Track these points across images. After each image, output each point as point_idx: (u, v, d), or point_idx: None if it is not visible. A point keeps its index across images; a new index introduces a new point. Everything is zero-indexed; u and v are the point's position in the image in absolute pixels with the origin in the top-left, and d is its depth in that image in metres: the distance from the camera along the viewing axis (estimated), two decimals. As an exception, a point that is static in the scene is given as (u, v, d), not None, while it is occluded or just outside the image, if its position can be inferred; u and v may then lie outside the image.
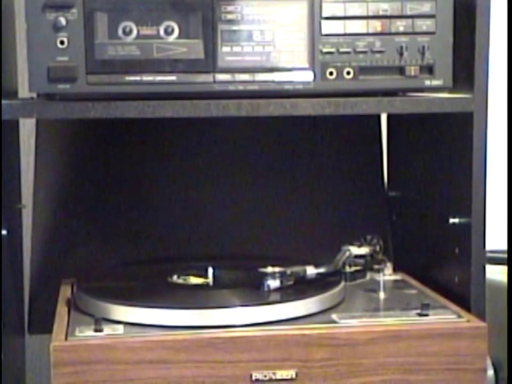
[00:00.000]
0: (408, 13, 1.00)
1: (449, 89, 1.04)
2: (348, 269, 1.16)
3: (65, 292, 1.15)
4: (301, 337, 0.95)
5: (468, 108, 1.02)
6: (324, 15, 0.99)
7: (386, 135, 1.37)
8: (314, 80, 1.00)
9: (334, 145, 1.35)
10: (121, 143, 1.31)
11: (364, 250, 1.16)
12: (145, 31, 0.97)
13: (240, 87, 0.99)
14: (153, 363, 0.92)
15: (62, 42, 0.95)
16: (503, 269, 1.35)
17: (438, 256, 1.16)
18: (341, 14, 0.99)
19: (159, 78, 0.98)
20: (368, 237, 1.17)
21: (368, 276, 1.18)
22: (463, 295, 1.06)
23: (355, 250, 1.16)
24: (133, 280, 1.13)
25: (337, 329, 0.97)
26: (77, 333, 0.95)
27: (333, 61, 1.00)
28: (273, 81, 1.00)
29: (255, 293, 1.04)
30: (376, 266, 1.16)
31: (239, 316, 0.97)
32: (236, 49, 0.98)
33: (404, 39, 1.00)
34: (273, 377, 0.94)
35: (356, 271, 1.16)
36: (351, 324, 0.98)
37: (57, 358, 0.91)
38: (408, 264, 1.25)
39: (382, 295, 1.11)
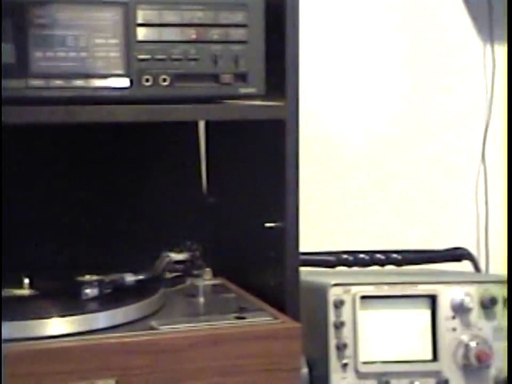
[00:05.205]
0: (222, 21, 1.01)
1: (263, 97, 1.06)
2: (167, 275, 1.16)
3: None
4: (120, 346, 0.94)
5: (280, 115, 1.05)
6: (138, 21, 0.99)
7: (204, 142, 1.39)
8: (130, 86, 1.00)
9: (153, 153, 1.35)
10: None
11: (183, 256, 1.17)
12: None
13: (55, 93, 0.97)
14: (-36, 379, 0.89)
15: None
16: (316, 270, 1.40)
17: (256, 260, 1.18)
18: (156, 21, 0.99)
19: (-33, 83, 0.94)
20: (188, 243, 1.18)
21: (188, 281, 1.18)
22: (279, 297, 1.08)
23: (175, 256, 1.16)
24: None
25: (156, 335, 0.97)
26: None
27: (149, 68, 1.00)
28: (89, 88, 0.98)
29: (72, 302, 1.02)
30: (195, 272, 1.17)
31: (56, 326, 0.95)
32: (49, 54, 0.96)
33: (218, 47, 1.01)
34: (93, 387, 0.93)
35: (176, 277, 1.17)
36: (170, 329, 0.98)
37: None
38: (228, 268, 1.27)
39: (201, 300, 1.12)
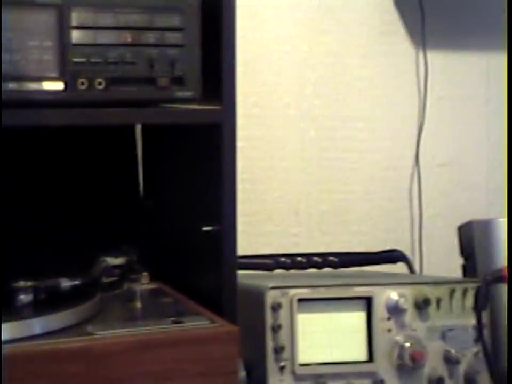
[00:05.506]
0: (158, 25, 1.01)
1: (200, 101, 1.06)
2: (104, 280, 1.15)
3: None
4: (55, 352, 0.93)
5: (217, 119, 1.05)
6: (73, 24, 0.98)
7: (141, 145, 1.38)
8: (65, 90, 0.98)
9: (90, 156, 1.34)
10: None
11: (120, 260, 1.16)
12: None
13: (-13, 96, 0.96)
14: None
15: None
16: (253, 273, 1.40)
17: (194, 264, 1.18)
18: (91, 24, 0.99)
19: None
20: (125, 247, 1.18)
21: (125, 286, 1.18)
22: (217, 301, 1.08)
23: (111, 260, 1.16)
24: None
25: (91, 341, 0.95)
26: None
27: (84, 71, 0.99)
28: (22, 91, 0.97)
29: (6, 308, 1.01)
30: (132, 276, 1.17)
31: (-11, 333, 0.94)
32: (-20, 56, 0.95)
33: (154, 51, 1.01)
34: (25, 395, 0.91)
35: (113, 281, 1.16)
36: (106, 335, 0.98)
37: None
38: (165, 273, 1.26)
39: (138, 304, 1.11)
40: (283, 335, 1.18)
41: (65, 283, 1.07)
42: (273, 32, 1.59)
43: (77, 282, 1.08)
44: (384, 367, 1.21)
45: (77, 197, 1.33)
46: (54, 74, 0.98)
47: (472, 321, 1.24)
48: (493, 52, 1.74)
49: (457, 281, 1.28)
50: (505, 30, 1.62)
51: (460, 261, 1.41)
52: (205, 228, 1.11)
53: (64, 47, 0.98)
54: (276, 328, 1.17)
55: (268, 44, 1.59)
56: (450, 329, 1.24)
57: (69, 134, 1.29)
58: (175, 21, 1.02)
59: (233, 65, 1.05)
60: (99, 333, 0.98)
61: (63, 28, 0.97)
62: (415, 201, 1.72)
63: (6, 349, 0.92)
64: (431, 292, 1.24)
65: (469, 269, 1.39)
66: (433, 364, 1.23)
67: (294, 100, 1.62)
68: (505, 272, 1.21)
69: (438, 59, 1.70)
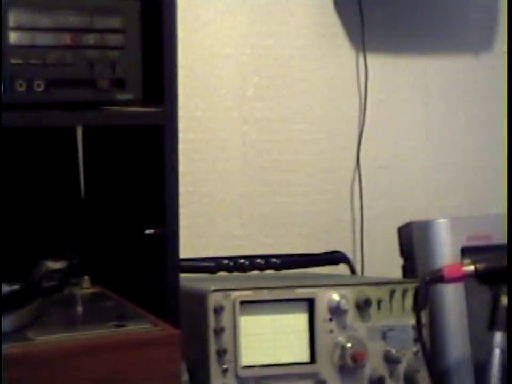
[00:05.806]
0: (97, 27, 1.00)
1: (141, 103, 1.06)
2: (44, 284, 1.14)
3: None
4: (-5, 358, 0.92)
5: (159, 121, 1.04)
6: (11, 25, 0.96)
7: (82, 147, 1.37)
8: (3, 92, 0.97)
9: (30, 158, 1.32)
10: None
11: (60, 264, 1.14)
12: None
13: None
14: None
15: None
16: (196, 276, 1.40)
17: (136, 267, 1.18)
18: (29, 25, 0.97)
19: None
20: (65, 251, 1.16)
21: (66, 290, 1.16)
22: (160, 304, 1.08)
23: (52, 264, 1.14)
24: None
25: (32, 347, 0.94)
26: None
27: (23, 73, 0.97)
28: (-40, 92, 0.95)
29: None
30: (73, 280, 1.15)
31: None
32: None
33: (94, 52, 1.00)
34: (-37, 405, 0.90)
35: (53, 285, 1.15)
36: (47, 340, 0.96)
37: None
38: (108, 276, 1.25)
39: (79, 309, 1.10)
40: (226, 337, 1.18)
41: (4, 288, 1.05)
42: (215, 34, 1.59)
43: (16, 287, 1.06)
44: (326, 367, 1.22)
45: (16, 199, 1.31)
46: (-9, 76, 0.97)
47: (412, 321, 1.26)
48: (431, 55, 1.77)
49: (397, 282, 1.29)
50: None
51: (400, 261, 1.43)
52: (147, 231, 1.10)
53: (1, 48, 0.96)
54: (219, 331, 1.17)
55: (210, 46, 1.59)
56: (390, 330, 1.26)
57: (8, 137, 1.27)
58: (115, 22, 1.01)
59: (175, 68, 1.04)
60: (39, 338, 0.96)
61: (0, 28, 0.96)
62: (356, 203, 1.73)
63: None
64: (371, 293, 1.25)
65: (409, 270, 1.41)
66: (374, 364, 1.24)
67: (236, 103, 1.62)
68: (443, 272, 1.23)
69: (377, 62, 1.72)
